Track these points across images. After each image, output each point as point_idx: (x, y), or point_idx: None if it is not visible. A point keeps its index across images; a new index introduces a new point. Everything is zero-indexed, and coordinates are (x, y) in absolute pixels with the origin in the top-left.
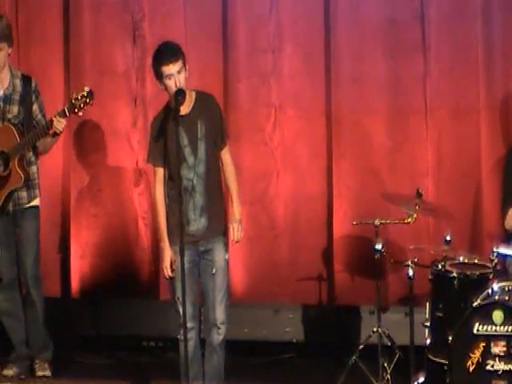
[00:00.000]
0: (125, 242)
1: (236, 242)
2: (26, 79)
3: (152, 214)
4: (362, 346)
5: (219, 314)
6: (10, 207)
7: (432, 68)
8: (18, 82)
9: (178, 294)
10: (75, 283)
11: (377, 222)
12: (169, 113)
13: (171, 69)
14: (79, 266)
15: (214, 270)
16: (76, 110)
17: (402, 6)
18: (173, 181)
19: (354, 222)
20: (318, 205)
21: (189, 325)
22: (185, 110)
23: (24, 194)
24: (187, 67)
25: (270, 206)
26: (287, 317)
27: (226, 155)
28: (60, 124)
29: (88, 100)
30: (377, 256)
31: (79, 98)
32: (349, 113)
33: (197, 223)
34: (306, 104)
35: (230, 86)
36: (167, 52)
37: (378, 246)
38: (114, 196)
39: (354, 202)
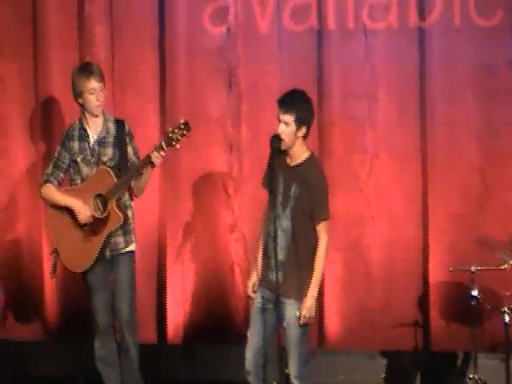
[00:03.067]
0: (221, 289)
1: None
2: (119, 122)
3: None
4: None
5: (291, 367)
6: (107, 252)
7: None
8: (111, 125)
9: (248, 332)
10: (171, 329)
11: (473, 269)
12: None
13: (282, 117)
14: (175, 313)
15: (284, 324)
16: (173, 143)
17: (494, 51)
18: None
19: (451, 269)
20: (414, 250)
21: (247, 368)
22: (293, 161)
23: (121, 239)
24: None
25: (365, 252)
26: (382, 363)
27: (320, 233)
28: (158, 159)
29: (185, 132)
30: (473, 302)
31: (176, 130)
32: (443, 158)
33: (274, 274)
34: (400, 149)
35: (324, 132)
36: (282, 100)
37: (474, 293)
38: (210, 243)
39: (450, 247)
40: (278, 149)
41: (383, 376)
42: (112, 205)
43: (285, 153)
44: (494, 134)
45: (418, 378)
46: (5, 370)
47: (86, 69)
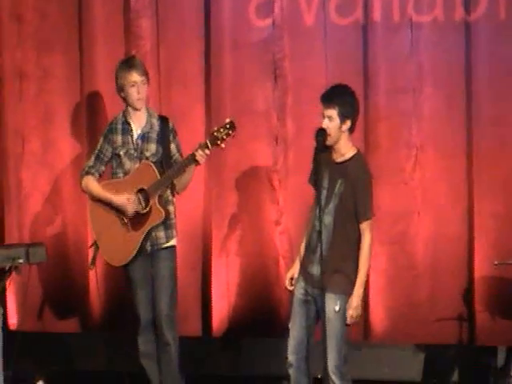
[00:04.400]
0: (266, 281)
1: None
2: (163, 119)
3: None
4: None
5: (329, 362)
6: (148, 247)
7: None
8: (155, 121)
9: (289, 324)
10: (216, 322)
11: None
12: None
13: (325, 111)
14: (220, 305)
15: (324, 318)
16: (218, 142)
17: None
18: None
19: (496, 263)
20: (459, 245)
21: (289, 360)
22: (339, 157)
23: (162, 233)
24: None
25: (410, 246)
26: (427, 357)
27: (364, 232)
28: (202, 157)
29: (230, 131)
30: None
31: (221, 130)
32: (489, 153)
33: (314, 268)
34: (446, 144)
35: (370, 126)
36: (325, 95)
37: None
38: (255, 235)
39: (495, 242)
40: (322, 143)
41: (427, 370)
42: (154, 200)
43: (330, 148)
44: None
45: (462, 372)
46: (47, 364)
47: (128, 62)
